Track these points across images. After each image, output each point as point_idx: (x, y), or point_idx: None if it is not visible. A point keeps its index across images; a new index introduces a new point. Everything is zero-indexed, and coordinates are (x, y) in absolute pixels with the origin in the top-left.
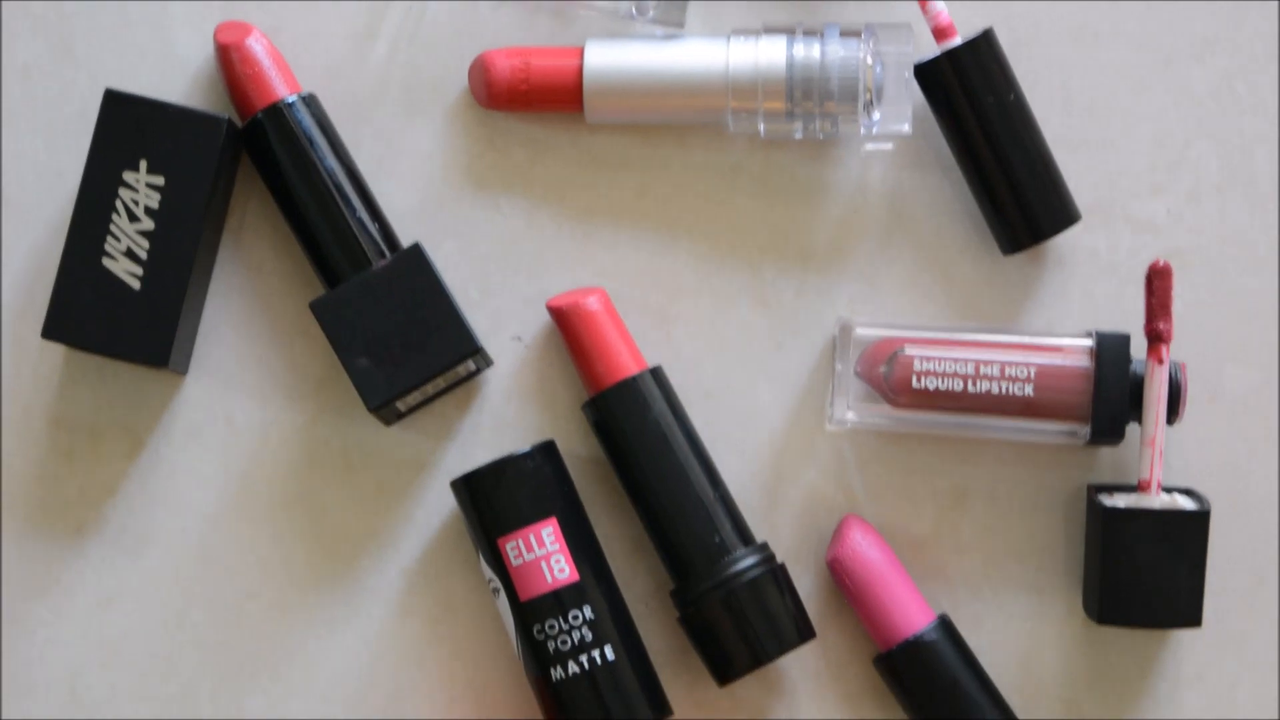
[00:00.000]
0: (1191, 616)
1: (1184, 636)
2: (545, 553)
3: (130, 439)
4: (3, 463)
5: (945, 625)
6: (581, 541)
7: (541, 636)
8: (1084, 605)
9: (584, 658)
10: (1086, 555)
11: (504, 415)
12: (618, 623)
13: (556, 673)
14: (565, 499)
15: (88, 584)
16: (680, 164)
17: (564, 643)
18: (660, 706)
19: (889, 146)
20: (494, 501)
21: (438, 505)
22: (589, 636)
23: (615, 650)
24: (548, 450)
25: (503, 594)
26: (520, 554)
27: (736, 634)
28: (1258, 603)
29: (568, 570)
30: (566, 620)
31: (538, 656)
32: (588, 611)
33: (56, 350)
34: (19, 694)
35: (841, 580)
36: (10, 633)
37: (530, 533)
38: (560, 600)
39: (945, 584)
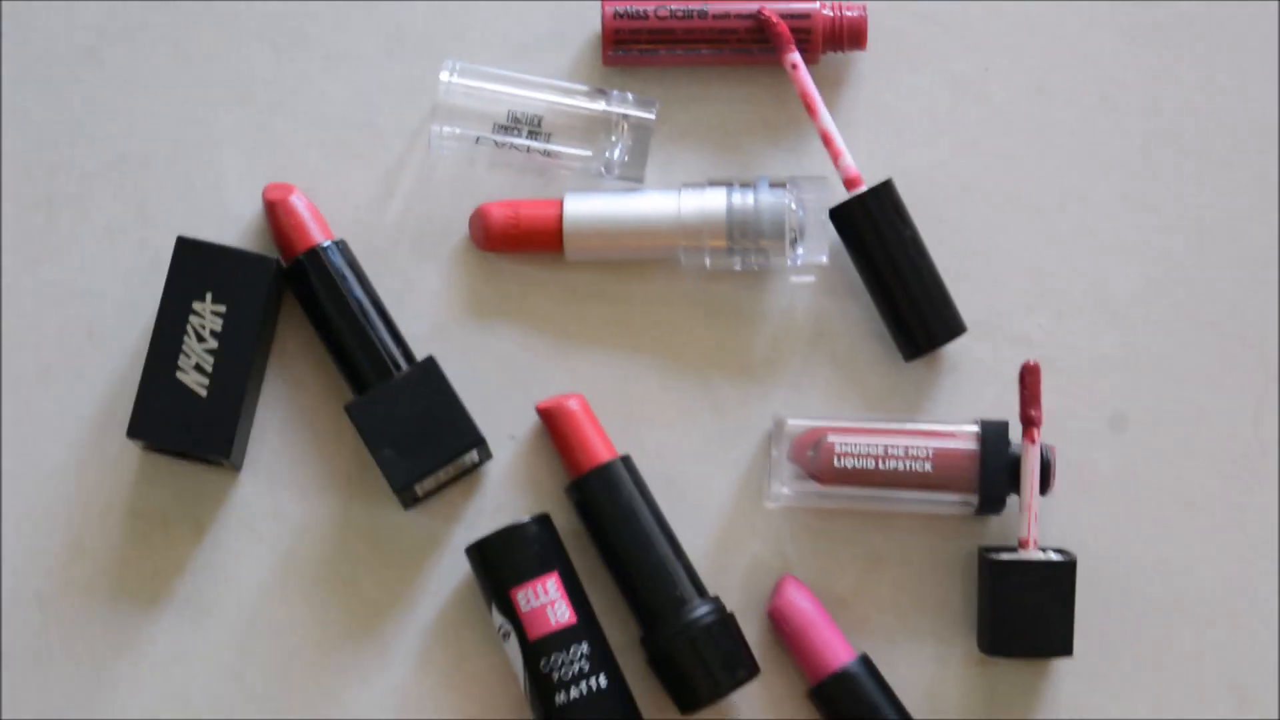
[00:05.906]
0: (1064, 648)
1: (1059, 666)
2: (549, 599)
3: (194, 526)
4: (91, 548)
5: (865, 662)
6: (576, 593)
7: (547, 669)
8: (978, 643)
9: (584, 684)
10: (979, 601)
11: (501, 500)
12: (607, 658)
13: (560, 697)
14: (562, 558)
15: (160, 647)
16: (643, 294)
17: (566, 673)
18: None
19: (811, 278)
20: (506, 559)
21: (448, 576)
22: (587, 667)
23: (609, 679)
24: (545, 520)
25: (513, 636)
26: (529, 601)
27: (697, 669)
28: (1118, 639)
29: (568, 614)
30: (568, 654)
31: (544, 685)
32: (585, 647)
33: (133, 454)
34: None
35: (780, 627)
36: (99, 688)
37: (538, 583)
38: (563, 638)
39: (865, 632)
